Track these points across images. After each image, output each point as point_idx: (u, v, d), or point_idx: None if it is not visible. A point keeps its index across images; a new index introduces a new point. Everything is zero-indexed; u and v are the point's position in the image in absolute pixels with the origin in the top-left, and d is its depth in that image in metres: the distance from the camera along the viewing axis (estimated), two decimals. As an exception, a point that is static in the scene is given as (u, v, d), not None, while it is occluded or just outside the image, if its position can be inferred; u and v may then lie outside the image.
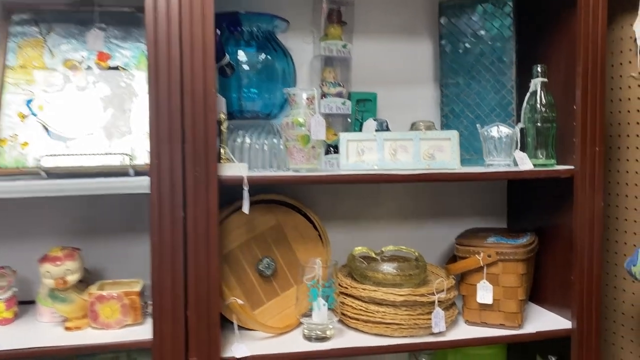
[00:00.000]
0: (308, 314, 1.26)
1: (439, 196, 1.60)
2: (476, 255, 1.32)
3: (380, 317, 1.26)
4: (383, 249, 1.45)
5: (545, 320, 1.37)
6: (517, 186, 1.59)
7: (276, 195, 1.35)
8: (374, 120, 1.42)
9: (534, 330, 1.31)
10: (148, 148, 1.11)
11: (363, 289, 1.28)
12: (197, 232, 1.12)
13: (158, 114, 1.09)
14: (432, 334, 1.28)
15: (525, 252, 1.30)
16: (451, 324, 1.33)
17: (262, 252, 1.32)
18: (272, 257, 1.33)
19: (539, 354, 1.43)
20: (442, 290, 1.29)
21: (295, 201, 1.37)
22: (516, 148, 1.33)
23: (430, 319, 1.27)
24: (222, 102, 1.22)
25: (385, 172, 1.25)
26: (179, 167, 1.10)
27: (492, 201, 1.63)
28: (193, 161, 1.11)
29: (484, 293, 1.31)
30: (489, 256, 1.30)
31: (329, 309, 1.24)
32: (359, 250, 1.42)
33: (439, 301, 1.28)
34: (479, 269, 1.32)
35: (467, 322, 1.36)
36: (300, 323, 1.28)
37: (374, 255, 1.44)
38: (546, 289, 1.44)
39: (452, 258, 1.49)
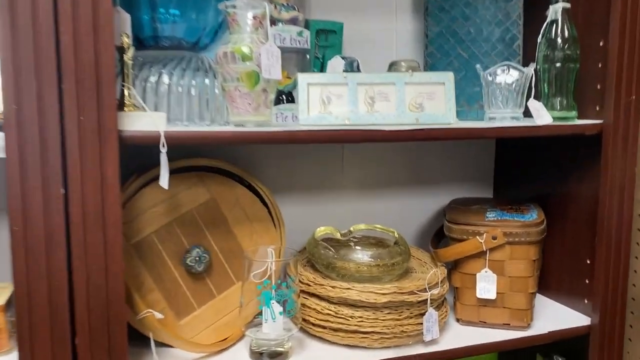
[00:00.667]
0: (257, 324, 0.91)
1: (416, 159, 1.27)
2: (477, 237, 1.01)
3: (355, 324, 0.93)
4: (352, 229, 1.11)
5: (555, 316, 1.09)
6: (509, 145, 1.29)
7: (210, 160, 0.98)
8: (342, 58, 1.06)
9: (546, 331, 1.03)
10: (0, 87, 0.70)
11: (332, 287, 0.94)
12: (86, 216, 0.73)
13: (15, 33, 0.68)
14: (423, 342, 0.96)
15: (538, 232, 1.00)
16: (443, 326, 1.02)
17: (191, 239, 0.95)
18: (205, 246, 0.96)
19: (540, 353, 1.17)
20: (436, 285, 0.98)
21: (236, 168, 1.00)
22: (529, 96, 1.01)
23: (420, 323, 0.95)
24: (125, 19, 0.81)
25: (360, 128, 0.90)
26: (55, 117, 0.70)
27: (476, 165, 1.33)
28: (77, 108, 0.71)
29: (486, 285, 1.01)
30: (494, 238, 1.00)
31: (287, 317, 0.90)
32: (322, 231, 1.07)
33: (431, 299, 0.96)
34: (480, 255, 1.01)
35: (461, 321, 1.06)
36: (246, 336, 0.93)
37: (340, 236, 1.10)
38: (552, 275, 1.16)
39: (436, 237, 1.17)
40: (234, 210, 0.99)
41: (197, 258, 0.94)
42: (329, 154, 1.20)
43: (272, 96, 0.89)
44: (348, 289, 0.93)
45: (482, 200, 1.18)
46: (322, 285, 0.95)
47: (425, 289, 0.95)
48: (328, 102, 0.94)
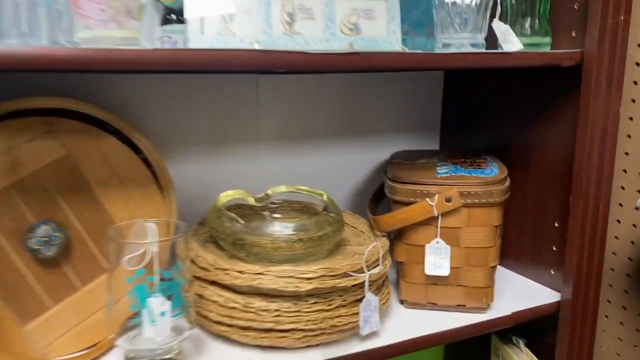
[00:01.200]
0: (132, 328, 0.66)
1: (348, 103, 1.03)
2: (426, 200, 0.79)
3: (271, 320, 0.70)
4: (269, 192, 0.87)
5: (517, 292, 0.90)
6: (461, 83, 1.07)
7: (61, 100, 0.69)
8: (249, -37, 0.79)
9: (509, 312, 0.84)
10: None
11: (239, 273, 0.70)
12: None
13: None
14: (360, 337, 0.75)
15: (502, 192, 0.80)
16: (384, 312, 0.81)
17: (38, 213, 0.68)
18: (59, 221, 0.69)
19: (497, 334, 0.99)
20: (376, 262, 0.76)
21: (102, 111, 0.72)
22: (492, 17, 0.78)
23: (355, 313, 0.73)
24: None
25: (276, 50, 0.65)
26: None
27: (421, 108, 1.11)
28: None
29: (437, 259, 0.80)
30: (448, 200, 0.78)
31: (174, 317, 0.65)
32: (228, 196, 0.82)
33: (370, 281, 0.74)
34: (430, 221, 0.80)
35: (406, 304, 0.85)
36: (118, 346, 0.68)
37: (253, 202, 0.86)
38: (511, 242, 0.97)
39: (375, 199, 0.95)
40: (100, 170, 0.71)
41: (46, 238, 0.67)
42: (238, 95, 0.94)
43: (145, 3, 0.61)
44: (260, 274, 0.69)
45: (429, 153, 0.96)
46: (225, 270, 0.70)
47: (363, 268, 0.73)
48: (230, 20, 0.67)
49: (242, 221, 0.76)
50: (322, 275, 0.70)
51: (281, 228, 0.75)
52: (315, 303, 0.71)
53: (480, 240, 0.79)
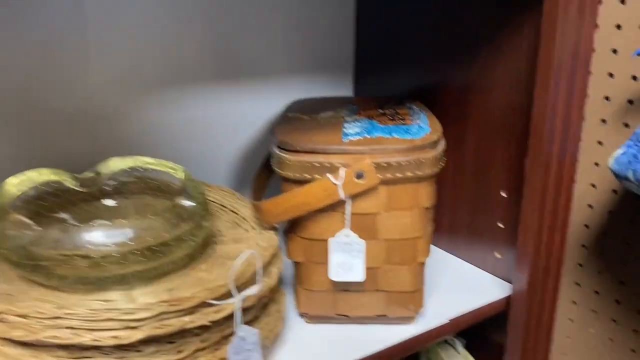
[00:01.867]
0: None
1: (217, 23, 0.75)
2: (328, 177, 0.53)
3: (79, 391, 0.44)
4: (100, 169, 0.58)
5: (454, 283, 0.68)
6: (378, 6, 0.81)
7: None
8: None
9: (445, 319, 0.62)
10: None
11: (20, 316, 0.42)
12: None
13: None
14: (233, 390, 0.50)
15: (434, 160, 0.55)
16: (276, 334, 0.56)
17: None
18: None
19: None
20: (253, 279, 0.50)
21: None
22: None
23: (223, 359, 0.48)
24: None
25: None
26: None
27: (324, 37, 0.84)
28: None
29: (347, 259, 0.56)
30: (359, 176, 0.53)
31: None
32: (24, 181, 0.53)
33: (245, 307, 0.49)
34: (336, 207, 0.55)
35: (307, 317, 0.61)
36: None
37: (76, 186, 0.57)
38: (444, 215, 0.74)
39: (261, 176, 0.69)
40: None
41: None
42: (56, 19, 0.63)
43: None
44: (57, 318, 0.42)
45: (337, 103, 0.70)
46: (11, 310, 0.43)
47: (231, 291, 0.47)
48: None
49: (36, 226, 0.48)
50: (162, 313, 0.44)
51: (102, 235, 0.47)
52: (155, 353, 0.45)
53: (405, 229, 0.56)
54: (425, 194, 0.55)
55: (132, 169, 0.59)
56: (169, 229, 0.50)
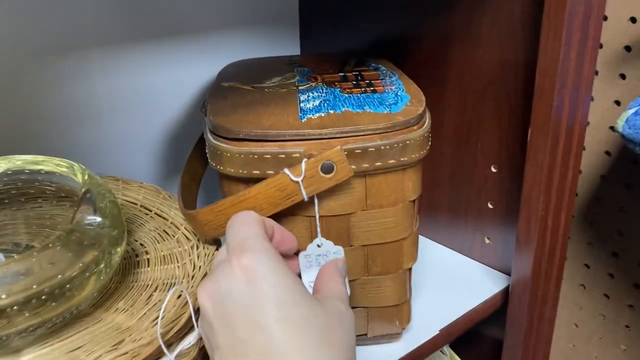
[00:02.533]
0: None
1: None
2: (284, 171, 0.39)
3: None
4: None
5: (441, 279, 0.57)
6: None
7: None
8: None
9: (435, 329, 0.50)
10: None
11: None
12: None
13: None
14: None
15: (422, 140, 0.42)
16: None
17: None
18: None
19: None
20: (190, 326, 0.36)
21: None
22: None
23: None
24: None
25: None
26: None
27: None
28: None
29: (312, 273, 0.43)
30: (328, 170, 0.39)
31: None
32: None
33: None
34: (298, 210, 0.41)
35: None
36: None
37: None
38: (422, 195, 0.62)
39: (191, 168, 0.54)
40: None
41: None
42: None
43: None
44: None
45: (283, 66, 0.56)
46: None
47: (162, 348, 0.33)
48: None
49: None
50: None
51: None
52: None
53: (387, 231, 0.43)
54: (411, 185, 0.43)
55: (10, 172, 0.43)
56: (64, 263, 0.35)
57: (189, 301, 0.36)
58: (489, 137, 0.53)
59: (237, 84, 0.50)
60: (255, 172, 0.40)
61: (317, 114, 0.42)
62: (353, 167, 0.39)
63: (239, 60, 0.59)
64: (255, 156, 0.39)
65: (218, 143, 0.40)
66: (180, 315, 0.36)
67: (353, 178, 0.40)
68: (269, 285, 0.31)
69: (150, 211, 0.50)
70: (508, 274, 0.56)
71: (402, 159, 0.40)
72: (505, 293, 0.55)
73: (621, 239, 0.65)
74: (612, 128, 0.63)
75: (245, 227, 0.35)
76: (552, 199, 0.48)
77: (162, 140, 0.62)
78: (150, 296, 0.40)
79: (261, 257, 0.32)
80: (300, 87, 0.48)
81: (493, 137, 0.53)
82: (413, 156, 0.41)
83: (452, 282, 0.56)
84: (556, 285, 0.53)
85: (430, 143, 0.43)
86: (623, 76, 0.60)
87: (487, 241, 0.58)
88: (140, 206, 0.51)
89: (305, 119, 0.41)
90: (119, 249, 0.39)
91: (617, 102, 0.61)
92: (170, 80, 0.61)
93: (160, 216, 0.50)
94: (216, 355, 0.32)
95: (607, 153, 0.64)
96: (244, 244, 0.33)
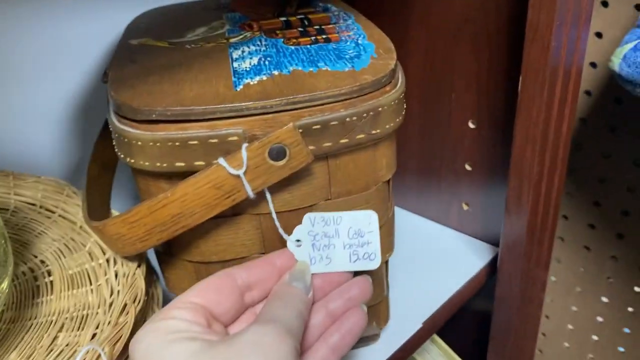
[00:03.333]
0: None
1: None
2: (218, 162, 0.29)
3: None
4: None
5: (419, 256, 0.49)
6: None
7: None
8: None
9: (418, 323, 0.42)
10: None
11: None
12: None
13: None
14: None
15: (397, 105, 0.32)
16: None
17: None
18: None
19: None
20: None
21: None
22: None
23: None
24: None
25: None
26: None
27: None
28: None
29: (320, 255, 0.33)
30: (278, 155, 0.29)
31: None
32: None
33: None
34: (243, 208, 0.31)
35: None
36: None
37: None
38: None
39: (99, 158, 0.42)
40: None
41: None
42: None
43: None
44: None
45: (203, 12, 0.44)
46: None
47: None
48: None
49: None
50: None
51: None
52: None
53: (359, 221, 0.34)
54: (385, 162, 0.33)
55: None
56: None
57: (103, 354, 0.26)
58: (465, 87, 0.44)
59: (150, 41, 0.38)
60: (178, 164, 0.29)
61: (257, 78, 0.31)
62: (312, 148, 0.29)
63: (152, 9, 0.47)
64: (177, 143, 0.29)
65: (124, 127, 0.30)
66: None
67: (312, 164, 0.30)
68: None
69: (54, 213, 0.39)
70: (491, 243, 0.49)
71: (373, 132, 0.31)
72: (492, 265, 0.47)
73: (602, 187, 0.59)
74: (593, 65, 0.55)
75: None
76: (546, 159, 0.40)
77: (64, 119, 0.49)
78: (54, 340, 0.30)
79: None
80: (231, 40, 0.37)
81: (470, 87, 0.44)
82: (387, 126, 0.31)
83: (429, 257, 0.48)
84: (548, 250, 0.46)
85: (405, 106, 0.33)
86: (605, 4, 0.52)
87: (465, 207, 0.50)
88: (40, 207, 0.40)
89: (241, 86, 0.30)
90: (4, 277, 0.29)
91: (599, 35, 0.53)
92: (69, 39, 0.47)
93: (66, 219, 0.39)
94: None
95: (588, 93, 0.57)
96: None
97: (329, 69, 0.31)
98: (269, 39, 0.36)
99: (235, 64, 0.33)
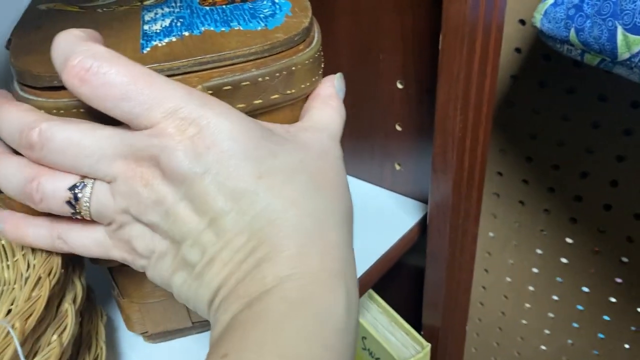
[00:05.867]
0: None
1: None
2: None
3: None
4: None
5: (357, 215, 0.50)
6: None
7: None
8: None
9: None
10: None
11: None
12: None
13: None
14: None
15: (313, 64, 0.32)
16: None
17: None
18: None
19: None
20: None
21: None
22: None
23: None
24: None
25: None
26: None
27: None
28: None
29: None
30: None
31: None
32: None
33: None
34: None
35: (147, 336, 0.39)
36: None
37: None
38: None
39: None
40: None
41: None
42: None
43: None
44: None
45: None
46: None
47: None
48: None
49: None
50: None
51: None
52: None
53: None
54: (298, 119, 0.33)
55: None
56: None
57: (15, 341, 0.25)
58: (392, 47, 0.44)
59: (60, 5, 0.37)
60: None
61: (167, 39, 0.30)
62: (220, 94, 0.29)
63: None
64: (82, 110, 0.28)
65: (26, 95, 0.28)
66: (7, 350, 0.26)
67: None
68: (229, 143, 0.25)
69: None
70: (423, 201, 0.50)
71: (288, 92, 0.31)
72: (423, 223, 0.48)
73: (534, 143, 0.61)
74: (522, 22, 0.56)
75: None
76: (469, 116, 0.41)
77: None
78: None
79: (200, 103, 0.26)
80: (145, 3, 0.36)
81: (397, 47, 0.44)
82: (303, 86, 0.31)
83: (363, 217, 0.49)
84: (477, 203, 0.47)
85: (323, 64, 0.33)
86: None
87: (398, 167, 0.50)
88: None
89: (148, 49, 0.29)
90: None
91: (527, -9, 0.54)
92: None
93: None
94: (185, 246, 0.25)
95: (517, 50, 0.58)
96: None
97: (241, 29, 0.31)
98: (184, 1, 0.35)
99: (146, 27, 0.32)
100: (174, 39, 0.30)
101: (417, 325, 0.52)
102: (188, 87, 0.26)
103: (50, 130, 0.25)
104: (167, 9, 0.34)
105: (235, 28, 0.31)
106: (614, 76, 0.48)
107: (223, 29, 0.31)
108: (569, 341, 0.69)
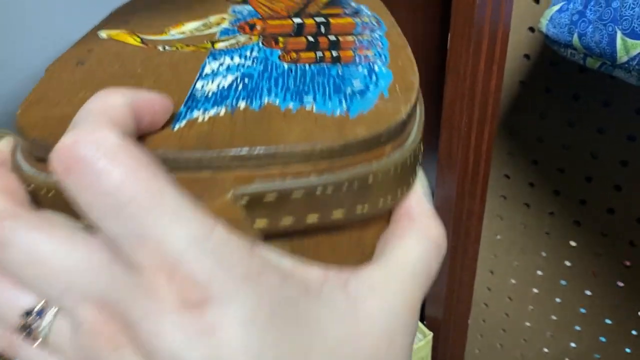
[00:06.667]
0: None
1: None
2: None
3: None
4: None
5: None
6: None
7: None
8: None
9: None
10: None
11: None
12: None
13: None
14: None
15: (403, 170, 0.20)
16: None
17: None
18: None
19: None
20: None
21: None
22: None
23: None
24: None
25: None
26: None
27: None
28: None
29: None
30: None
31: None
32: None
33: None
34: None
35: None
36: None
37: None
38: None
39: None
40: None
41: None
42: None
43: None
44: None
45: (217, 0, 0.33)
46: None
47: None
48: None
49: None
50: None
51: None
52: None
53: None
54: (371, 244, 0.21)
55: None
56: None
57: None
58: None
59: (122, 34, 0.27)
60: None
61: (213, 111, 0.20)
62: (263, 225, 0.18)
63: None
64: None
65: (19, 161, 0.20)
66: None
67: (264, 241, 0.19)
68: (239, 333, 0.16)
69: None
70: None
71: (358, 210, 0.19)
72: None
73: (541, 147, 0.62)
74: (532, 29, 0.57)
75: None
76: (475, 113, 0.42)
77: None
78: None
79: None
80: (217, 45, 0.26)
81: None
82: (381, 202, 0.19)
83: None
84: (481, 202, 0.49)
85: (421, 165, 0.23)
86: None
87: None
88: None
89: (182, 124, 0.19)
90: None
91: (536, 0, 0.56)
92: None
93: None
94: None
95: (527, 56, 0.60)
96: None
97: (314, 110, 0.20)
98: (265, 49, 0.25)
99: (199, 84, 0.22)
100: (222, 112, 0.20)
101: (420, 315, 0.53)
102: (210, 221, 0.16)
103: (13, 232, 0.18)
104: (237, 60, 0.24)
105: (307, 107, 0.20)
106: (619, 82, 0.49)
107: (291, 104, 0.20)
108: (572, 344, 0.70)
